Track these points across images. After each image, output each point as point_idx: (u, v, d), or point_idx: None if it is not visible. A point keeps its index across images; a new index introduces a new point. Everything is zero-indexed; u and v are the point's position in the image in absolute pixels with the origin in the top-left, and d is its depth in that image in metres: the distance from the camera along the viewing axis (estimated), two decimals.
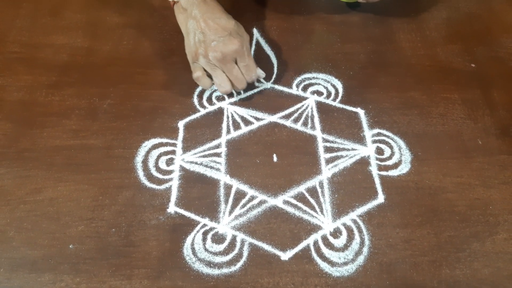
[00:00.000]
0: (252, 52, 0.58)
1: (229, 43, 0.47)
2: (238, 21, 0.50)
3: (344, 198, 0.45)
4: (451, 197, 0.45)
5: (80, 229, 0.42)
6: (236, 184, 0.46)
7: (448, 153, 0.48)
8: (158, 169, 0.47)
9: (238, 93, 0.53)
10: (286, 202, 0.45)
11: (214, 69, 0.49)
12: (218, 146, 0.49)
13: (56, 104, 0.52)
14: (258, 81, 0.54)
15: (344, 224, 0.43)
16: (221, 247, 0.42)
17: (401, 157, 0.48)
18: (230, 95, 0.53)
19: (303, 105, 0.53)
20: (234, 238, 0.42)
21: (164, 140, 0.49)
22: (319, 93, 0.54)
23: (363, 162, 0.48)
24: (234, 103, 0.53)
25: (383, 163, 0.48)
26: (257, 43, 0.59)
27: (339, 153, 0.48)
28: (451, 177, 0.46)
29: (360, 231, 0.43)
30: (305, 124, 0.51)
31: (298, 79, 0.55)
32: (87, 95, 0.53)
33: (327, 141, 0.49)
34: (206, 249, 0.41)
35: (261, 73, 0.52)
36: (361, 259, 0.41)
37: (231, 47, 0.47)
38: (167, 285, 0.39)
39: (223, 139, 0.49)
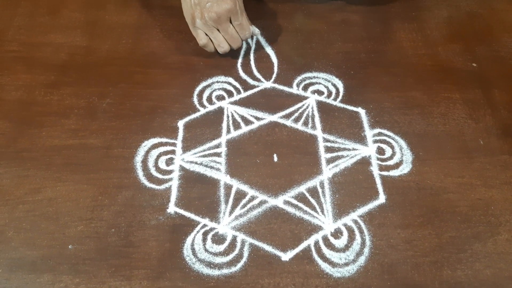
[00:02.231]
0: (252, 51, 0.58)
1: (222, 3, 0.49)
2: None
3: (345, 198, 0.45)
4: (452, 198, 0.45)
5: (79, 229, 0.42)
6: (236, 184, 0.46)
7: (449, 153, 0.48)
8: (158, 169, 0.47)
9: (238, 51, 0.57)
10: (286, 202, 0.44)
11: (211, 30, 0.52)
12: (218, 146, 0.49)
13: (54, 104, 0.52)
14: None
15: (345, 225, 0.43)
16: (222, 247, 0.41)
17: (402, 157, 0.48)
18: (230, 94, 0.53)
19: (303, 105, 0.52)
20: (234, 239, 0.42)
21: (164, 140, 0.49)
22: (320, 93, 0.54)
23: (364, 162, 0.47)
24: (234, 103, 0.52)
25: (384, 163, 0.47)
26: (257, 42, 0.59)
27: (340, 153, 0.48)
28: (452, 177, 0.46)
29: (361, 232, 0.42)
30: (305, 123, 0.51)
31: (299, 78, 0.55)
32: (86, 94, 0.53)
33: (327, 141, 0.49)
34: (206, 250, 0.41)
35: (255, 31, 0.56)
36: (362, 260, 0.41)
37: (225, 6, 0.49)
38: (167, 286, 0.39)
39: (223, 138, 0.49)
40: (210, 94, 0.53)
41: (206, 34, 0.52)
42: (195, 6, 0.50)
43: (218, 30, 0.52)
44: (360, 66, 0.56)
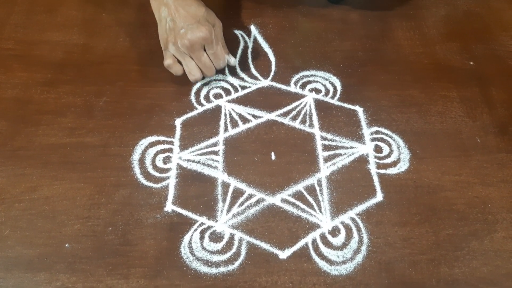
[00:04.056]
0: (250, 49, 0.58)
1: (196, 30, 0.47)
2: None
3: (343, 196, 0.45)
4: (449, 196, 0.45)
5: (76, 228, 0.42)
6: (234, 183, 0.45)
7: (446, 151, 0.48)
8: (155, 167, 0.47)
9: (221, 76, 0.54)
10: (284, 201, 0.44)
11: (184, 56, 0.49)
12: (215, 144, 0.49)
13: (51, 102, 0.52)
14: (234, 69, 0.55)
15: (342, 223, 0.43)
16: (219, 245, 0.41)
17: (399, 155, 0.48)
18: (228, 92, 0.53)
19: (301, 103, 0.52)
20: (232, 237, 0.42)
21: (161, 138, 0.49)
22: (318, 91, 0.53)
23: (362, 160, 0.47)
24: (232, 101, 0.52)
25: (381, 161, 0.47)
26: (255, 40, 0.59)
27: (337, 151, 0.48)
28: (449, 175, 0.46)
29: (358, 230, 0.42)
30: (303, 122, 0.51)
31: (296, 76, 0.55)
32: (83, 92, 0.53)
33: (325, 139, 0.49)
34: (203, 248, 0.41)
35: (231, 60, 0.53)
36: (359, 258, 0.41)
37: (199, 34, 0.47)
38: (164, 284, 0.39)
39: (221, 137, 0.49)
40: (208, 92, 0.53)
41: (179, 61, 0.51)
42: (169, 31, 0.48)
43: (191, 57, 0.49)
44: (358, 64, 0.56)
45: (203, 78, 0.53)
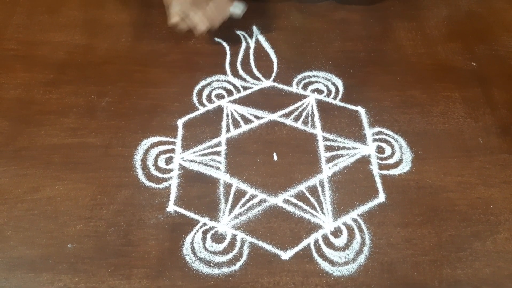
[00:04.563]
0: (252, 49, 0.58)
1: None
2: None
3: (345, 197, 0.45)
4: (452, 196, 0.45)
5: (79, 228, 0.42)
6: (236, 183, 0.45)
7: (449, 152, 0.48)
8: (157, 167, 0.47)
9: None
10: (286, 201, 0.44)
11: (188, 11, 0.51)
12: (217, 145, 0.49)
13: (53, 102, 0.52)
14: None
15: (344, 223, 0.43)
16: (221, 246, 0.41)
17: (402, 156, 0.48)
18: (230, 93, 0.53)
19: (303, 104, 0.52)
20: (234, 238, 0.42)
21: (163, 139, 0.49)
22: (320, 92, 0.53)
23: (364, 161, 0.47)
24: (234, 101, 0.52)
25: (383, 162, 0.47)
26: (257, 41, 0.59)
27: (339, 152, 0.48)
28: (452, 176, 0.46)
29: (361, 231, 0.42)
30: (305, 122, 0.51)
31: (298, 77, 0.55)
32: (85, 93, 0.53)
33: (327, 139, 0.49)
34: (206, 249, 0.41)
35: (235, 10, 0.54)
36: (361, 259, 0.41)
37: None
38: (167, 284, 0.39)
39: (223, 137, 0.49)
40: (210, 92, 0.53)
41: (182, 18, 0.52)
42: None
43: (195, 10, 0.51)
44: (359, 65, 0.56)
45: (208, 31, 0.54)
